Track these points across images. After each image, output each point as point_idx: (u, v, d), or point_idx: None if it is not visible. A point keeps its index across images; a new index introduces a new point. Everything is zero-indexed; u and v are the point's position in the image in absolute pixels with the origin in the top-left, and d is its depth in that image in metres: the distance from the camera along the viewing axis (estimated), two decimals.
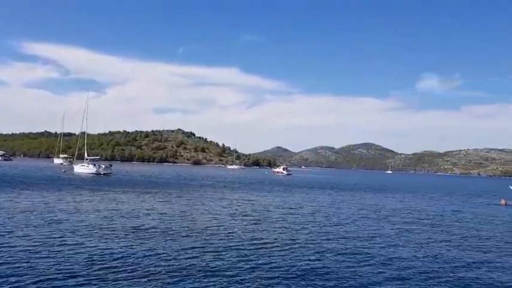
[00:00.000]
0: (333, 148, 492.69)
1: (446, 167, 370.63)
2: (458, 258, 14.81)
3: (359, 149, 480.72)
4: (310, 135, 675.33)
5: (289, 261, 13.19)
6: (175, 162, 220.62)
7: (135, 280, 10.50)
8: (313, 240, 16.93)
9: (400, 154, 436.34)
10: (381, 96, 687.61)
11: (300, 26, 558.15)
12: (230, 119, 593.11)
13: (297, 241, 16.50)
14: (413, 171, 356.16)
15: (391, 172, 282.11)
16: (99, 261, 12.02)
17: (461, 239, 19.20)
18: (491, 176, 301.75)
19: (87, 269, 11.16)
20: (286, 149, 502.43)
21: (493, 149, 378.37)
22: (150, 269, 11.52)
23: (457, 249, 16.46)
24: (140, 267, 11.64)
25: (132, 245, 14.25)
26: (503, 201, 41.82)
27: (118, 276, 10.75)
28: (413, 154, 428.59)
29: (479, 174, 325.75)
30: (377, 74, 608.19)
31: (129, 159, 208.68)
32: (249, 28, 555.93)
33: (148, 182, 52.21)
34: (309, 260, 13.47)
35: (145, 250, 13.63)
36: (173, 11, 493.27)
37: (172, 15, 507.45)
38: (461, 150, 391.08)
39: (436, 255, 15.18)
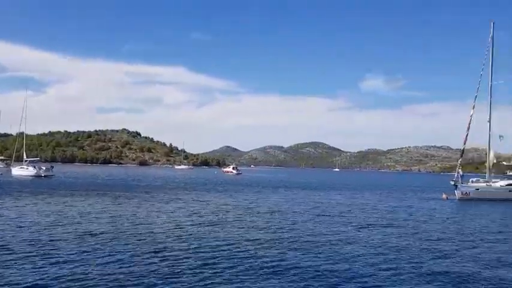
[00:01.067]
0: (282, 147, 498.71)
1: (389, 164, 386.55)
2: (420, 253, 14.79)
3: (307, 148, 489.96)
4: (259, 135, 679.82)
5: (251, 260, 12.47)
6: (120, 163, 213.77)
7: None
8: (273, 239, 16.33)
9: (346, 152, 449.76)
10: (328, 96, 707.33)
11: (248, 26, 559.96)
12: (178, 119, 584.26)
13: (257, 241, 15.80)
14: (358, 169, 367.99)
15: (338, 170, 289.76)
16: (45, 269, 10.66)
17: (416, 233, 19.40)
18: (430, 172, 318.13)
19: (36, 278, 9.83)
20: (235, 149, 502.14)
21: (432, 146, 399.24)
22: (103, 276, 10.34)
23: (416, 244, 16.49)
24: (92, 274, 10.44)
25: (82, 251, 12.93)
26: (444, 196, 43.66)
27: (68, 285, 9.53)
28: (358, 152, 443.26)
29: (419, 170, 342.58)
30: (324, 74, 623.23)
31: (71, 160, 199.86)
32: (198, 27, 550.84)
33: (94, 184, 49.65)
34: (271, 258, 12.84)
35: (97, 256, 12.38)
36: (119, 6, 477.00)
37: (118, 11, 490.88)
38: (402, 148, 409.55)
39: (395, 248, 15.10)
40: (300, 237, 17.12)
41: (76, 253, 12.78)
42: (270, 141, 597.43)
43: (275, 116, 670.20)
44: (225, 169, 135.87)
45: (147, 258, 12.55)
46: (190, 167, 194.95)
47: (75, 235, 15.69)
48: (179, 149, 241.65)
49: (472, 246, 16.76)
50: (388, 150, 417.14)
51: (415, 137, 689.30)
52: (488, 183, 44.45)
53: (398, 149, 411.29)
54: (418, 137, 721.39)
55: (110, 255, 12.67)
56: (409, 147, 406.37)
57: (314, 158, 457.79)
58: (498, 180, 45.52)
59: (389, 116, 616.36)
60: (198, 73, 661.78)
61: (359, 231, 19.43)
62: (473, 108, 44.61)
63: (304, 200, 36.53)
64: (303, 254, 13.84)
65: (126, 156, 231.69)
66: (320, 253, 14.17)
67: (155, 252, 13.37)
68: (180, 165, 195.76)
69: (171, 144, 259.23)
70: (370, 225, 21.61)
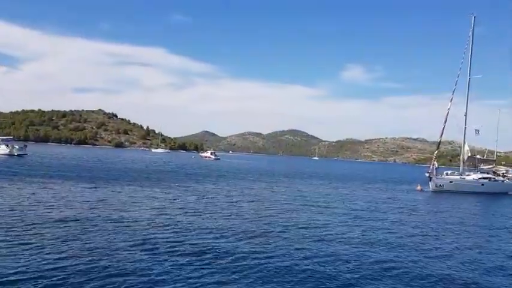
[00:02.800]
0: (261, 134, 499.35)
1: (366, 154, 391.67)
2: (392, 244, 14.87)
3: (286, 136, 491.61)
4: (238, 121, 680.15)
5: (232, 253, 12.22)
6: (95, 145, 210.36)
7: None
8: (254, 229, 16.10)
9: (325, 141, 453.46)
10: (308, 84, 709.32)
11: (231, 10, 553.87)
12: (156, 101, 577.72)
13: (243, 232, 15.56)
14: (336, 158, 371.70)
15: (317, 158, 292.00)
16: (15, 258, 10.18)
17: (398, 225, 19.52)
18: (405, 163, 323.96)
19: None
20: (213, 134, 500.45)
21: (408, 138, 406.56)
22: (75, 266, 9.94)
23: (390, 235, 16.57)
24: (64, 262, 10.01)
25: (55, 238, 12.42)
26: (419, 187, 44.33)
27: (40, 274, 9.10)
28: (336, 141, 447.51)
29: (395, 161, 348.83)
30: (305, 63, 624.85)
31: (45, 140, 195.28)
32: (179, 8, 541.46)
33: (70, 166, 48.43)
34: (249, 249, 12.61)
35: (70, 245, 11.91)
36: None
37: None
38: (380, 139, 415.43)
39: (376, 240, 15.13)
40: (275, 227, 16.96)
41: (51, 240, 12.30)
42: (249, 128, 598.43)
43: (255, 103, 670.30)
44: (203, 154, 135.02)
45: (121, 246, 12.17)
46: (167, 150, 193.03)
47: (46, 220, 15.10)
48: (156, 132, 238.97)
49: (442, 237, 17.22)
50: (366, 140, 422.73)
51: (392, 128, 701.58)
52: (461, 176, 45.34)
53: (375, 139, 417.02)
54: (395, 128, 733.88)
55: (86, 242, 12.19)
56: (386, 138, 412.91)
57: (293, 145, 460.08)
58: (471, 173, 46.48)
59: (367, 107, 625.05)
60: (177, 55, 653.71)
61: (338, 222, 19.35)
62: (451, 101, 45.27)
63: (286, 190, 36.35)
64: (266, 245, 13.66)
65: (102, 137, 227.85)
66: (294, 245, 14.04)
67: (131, 241, 13.00)
68: (157, 148, 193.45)
69: (148, 127, 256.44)
70: (346, 215, 21.70)
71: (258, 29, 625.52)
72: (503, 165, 55.50)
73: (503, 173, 48.74)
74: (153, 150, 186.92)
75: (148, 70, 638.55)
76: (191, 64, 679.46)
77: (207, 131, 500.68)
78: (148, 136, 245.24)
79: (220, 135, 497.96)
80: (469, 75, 46.90)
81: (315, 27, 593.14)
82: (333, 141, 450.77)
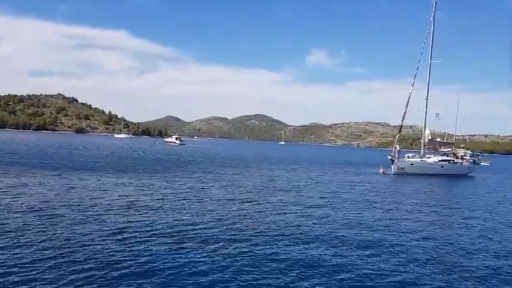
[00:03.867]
0: (226, 119, 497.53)
1: (330, 138, 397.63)
2: (356, 225, 14.92)
3: (251, 120, 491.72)
4: (203, 105, 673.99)
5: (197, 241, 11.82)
6: (55, 130, 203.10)
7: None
8: (227, 215, 15.73)
9: (290, 126, 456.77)
10: (274, 69, 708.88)
11: None
12: (118, 86, 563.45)
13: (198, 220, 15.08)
14: (301, 142, 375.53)
15: (284, 143, 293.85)
16: None
17: (364, 209, 19.66)
18: (368, 147, 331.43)
19: None
20: (178, 119, 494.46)
21: (371, 122, 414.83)
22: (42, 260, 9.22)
23: (354, 217, 16.62)
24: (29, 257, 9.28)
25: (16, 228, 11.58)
26: (381, 170, 45.10)
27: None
28: (301, 126, 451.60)
29: (358, 145, 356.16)
30: (271, 47, 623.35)
31: (1, 125, 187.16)
32: None
33: (34, 153, 46.05)
34: (223, 235, 12.27)
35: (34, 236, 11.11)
36: None
37: None
38: (344, 123, 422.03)
39: (336, 221, 15.08)
40: (249, 213, 16.66)
41: (15, 232, 11.42)
42: (214, 112, 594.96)
43: (220, 87, 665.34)
44: (168, 139, 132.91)
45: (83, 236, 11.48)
46: (130, 136, 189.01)
47: (13, 210, 14.12)
48: (119, 117, 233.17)
49: (404, 217, 17.55)
50: (330, 124, 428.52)
51: (356, 112, 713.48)
52: (422, 159, 46.50)
53: (339, 123, 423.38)
54: (358, 113, 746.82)
55: (55, 233, 11.43)
56: (350, 122, 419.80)
57: (258, 130, 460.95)
58: (432, 156, 47.76)
59: (332, 91, 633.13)
60: (140, 38, 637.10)
61: (306, 205, 19.25)
62: (413, 85, 46.07)
63: (254, 176, 36.06)
64: (242, 231, 13.36)
65: (62, 123, 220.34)
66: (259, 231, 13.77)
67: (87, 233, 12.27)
68: (119, 133, 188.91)
69: (110, 111, 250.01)
70: (312, 198, 21.70)
71: (223, 12, 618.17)
72: (462, 148, 57.30)
73: (461, 156, 50.38)
74: (116, 135, 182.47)
75: (110, 53, 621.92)
76: (154, 47, 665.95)
77: (171, 116, 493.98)
78: (111, 121, 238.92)
79: (185, 120, 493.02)
80: (430, 60, 47.86)
81: (280, 13, 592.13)
82: (298, 126, 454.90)
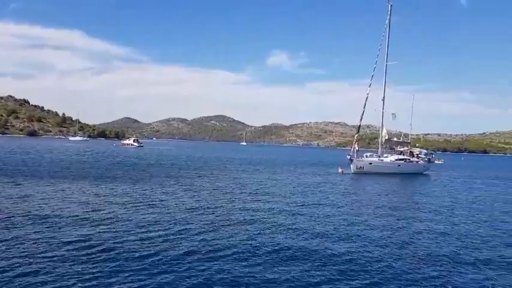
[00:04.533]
0: (186, 120, 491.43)
1: (291, 138, 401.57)
2: (315, 224, 14.63)
3: (212, 121, 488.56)
4: (162, 106, 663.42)
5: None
6: (5, 133, 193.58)
7: None
8: (190, 220, 15.01)
9: (251, 126, 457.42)
10: (235, 69, 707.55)
11: None
12: (73, 87, 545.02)
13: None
14: (262, 143, 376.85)
15: (245, 144, 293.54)
16: None
17: (325, 208, 19.43)
18: (328, 146, 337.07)
19: None
20: (136, 120, 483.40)
21: (330, 122, 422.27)
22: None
23: (326, 219, 16.37)
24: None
25: None
26: (340, 170, 45.58)
27: None
28: (262, 126, 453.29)
29: (318, 145, 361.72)
30: (231, 48, 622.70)
31: None
32: None
33: None
34: (186, 241, 11.60)
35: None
36: None
37: None
38: (304, 123, 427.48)
39: (312, 224, 14.77)
40: (216, 217, 16.01)
41: None
42: (173, 113, 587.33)
43: (179, 88, 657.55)
44: (125, 141, 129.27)
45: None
46: (85, 138, 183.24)
47: None
48: (74, 119, 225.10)
49: (364, 214, 18.17)
50: (291, 125, 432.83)
51: (316, 113, 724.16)
52: (380, 158, 47.36)
53: (299, 124, 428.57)
54: (318, 113, 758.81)
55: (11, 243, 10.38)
56: (310, 122, 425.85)
57: (219, 131, 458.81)
58: (389, 155, 48.74)
59: (293, 92, 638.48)
60: (95, 38, 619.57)
61: (264, 205, 18.89)
62: (369, 86, 46.85)
63: (224, 176, 35.35)
64: (205, 235, 12.77)
65: (13, 126, 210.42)
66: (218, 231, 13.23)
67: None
68: (74, 136, 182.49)
69: (63, 113, 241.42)
70: (279, 201, 21.28)
71: (182, 12, 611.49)
72: (417, 147, 58.96)
73: (417, 154, 51.75)
74: (71, 138, 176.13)
75: (64, 53, 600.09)
76: (111, 47, 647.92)
77: (129, 118, 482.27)
78: (65, 123, 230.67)
79: (144, 122, 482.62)
80: (386, 62, 48.84)
81: (241, 14, 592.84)
82: (259, 126, 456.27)
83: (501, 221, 18.28)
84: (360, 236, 13.85)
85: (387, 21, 48.26)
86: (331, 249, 11.92)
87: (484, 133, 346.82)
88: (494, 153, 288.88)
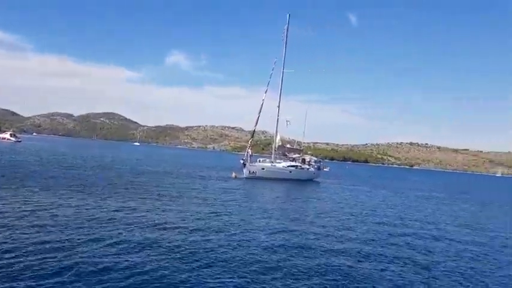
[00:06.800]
0: (72, 115, 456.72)
1: (186, 140, 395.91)
2: (201, 228, 13.68)
3: (101, 118, 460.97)
4: (45, 99, 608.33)
5: None
6: None
7: None
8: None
9: (144, 126, 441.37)
10: (130, 67, 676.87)
11: None
12: None
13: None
14: (155, 144, 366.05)
15: (138, 144, 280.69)
16: None
17: (217, 214, 18.48)
18: (223, 150, 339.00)
19: None
20: (14, 113, 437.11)
21: (227, 126, 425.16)
22: None
23: (214, 225, 15.37)
24: None
25: None
26: (233, 174, 45.24)
27: None
28: (156, 127, 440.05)
29: (214, 148, 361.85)
30: (128, 44, 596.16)
31: None
32: None
33: None
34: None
35: None
36: None
37: None
38: (200, 126, 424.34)
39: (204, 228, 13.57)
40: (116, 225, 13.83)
41: None
42: (57, 108, 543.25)
43: (65, 80, 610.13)
44: (0, 135, 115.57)
45: None
46: None
47: None
48: None
49: (253, 219, 18.45)
50: (187, 127, 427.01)
51: (213, 116, 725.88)
52: (273, 164, 47.97)
53: (196, 126, 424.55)
54: (215, 117, 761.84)
55: None
56: (206, 125, 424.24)
57: (108, 129, 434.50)
58: (282, 161, 49.68)
59: (190, 94, 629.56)
60: None
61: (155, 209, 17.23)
62: (266, 93, 47.27)
63: (115, 180, 32.21)
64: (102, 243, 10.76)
65: None
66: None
67: None
68: None
69: None
70: (159, 208, 19.66)
71: (76, 2, 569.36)
72: (309, 154, 61.19)
73: (308, 161, 53.55)
74: None
75: None
76: None
77: (6, 110, 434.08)
78: None
79: (23, 115, 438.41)
80: (283, 69, 49.81)
81: (140, 9, 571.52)
82: (153, 127, 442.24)
83: (374, 221, 19.77)
84: (247, 240, 14.05)
85: (285, 30, 49.30)
86: (212, 251, 11.81)
87: (366, 144, 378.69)
88: (374, 163, 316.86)
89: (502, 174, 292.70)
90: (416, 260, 13.56)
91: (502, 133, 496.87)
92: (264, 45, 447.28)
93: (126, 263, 10.34)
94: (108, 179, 30.02)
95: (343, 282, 10.62)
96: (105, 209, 17.27)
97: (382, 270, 12.00)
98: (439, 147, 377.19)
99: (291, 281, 10.30)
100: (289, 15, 49.20)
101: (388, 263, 12.80)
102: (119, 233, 13.22)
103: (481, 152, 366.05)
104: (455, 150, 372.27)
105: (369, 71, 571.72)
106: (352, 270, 11.64)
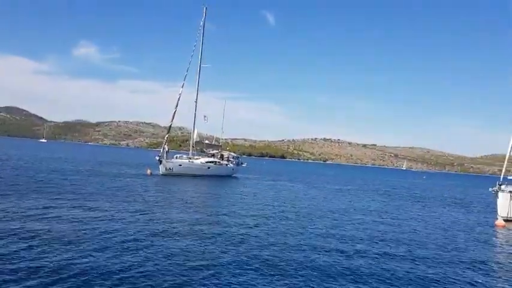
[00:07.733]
0: None
1: (97, 137, 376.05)
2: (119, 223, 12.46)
3: (2, 113, 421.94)
4: None
5: None
6: None
7: None
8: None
9: (51, 122, 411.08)
10: (33, 57, 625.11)
11: None
12: None
13: None
14: (63, 140, 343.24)
15: (46, 141, 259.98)
16: None
17: (130, 213, 17.14)
18: (138, 147, 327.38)
19: None
20: None
21: (141, 122, 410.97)
22: None
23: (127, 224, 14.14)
24: None
25: None
26: (149, 171, 43.68)
27: None
28: (64, 122, 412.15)
29: (128, 145, 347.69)
30: (30, 33, 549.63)
31: None
32: None
33: None
34: None
35: None
36: None
37: None
38: (112, 122, 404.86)
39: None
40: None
41: None
42: None
43: None
44: None
45: None
46: None
47: None
48: None
49: (165, 215, 18.14)
50: (98, 122, 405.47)
51: (126, 111, 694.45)
52: (190, 160, 46.68)
53: (107, 122, 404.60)
54: (129, 112, 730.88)
55: None
56: (119, 121, 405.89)
57: (10, 125, 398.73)
58: (200, 157, 48.58)
59: (101, 88, 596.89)
60: None
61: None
62: (182, 87, 45.80)
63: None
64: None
65: None
66: None
67: None
68: None
69: None
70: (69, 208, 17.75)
71: None
72: (227, 150, 60.48)
73: (227, 158, 52.89)
74: None
75: None
76: None
77: None
78: None
79: None
80: (200, 64, 48.64)
81: None
82: (61, 122, 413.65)
83: (293, 212, 20.41)
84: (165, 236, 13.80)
85: (202, 23, 48.15)
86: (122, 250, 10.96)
87: (283, 140, 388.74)
88: (290, 158, 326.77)
89: (406, 167, 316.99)
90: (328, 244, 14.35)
91: (405, 129, 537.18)
92: (182, 38, 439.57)
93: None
94: (12, 180, 26.77)
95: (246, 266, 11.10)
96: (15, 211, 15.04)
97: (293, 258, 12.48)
98: (350, 143, 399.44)
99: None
100: (205, 8, 48.17)
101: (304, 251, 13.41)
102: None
103: (386, 147, 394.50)
104: (364, 146, 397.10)
105: (289, 70, 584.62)
106: (262, 257, 12.19)
